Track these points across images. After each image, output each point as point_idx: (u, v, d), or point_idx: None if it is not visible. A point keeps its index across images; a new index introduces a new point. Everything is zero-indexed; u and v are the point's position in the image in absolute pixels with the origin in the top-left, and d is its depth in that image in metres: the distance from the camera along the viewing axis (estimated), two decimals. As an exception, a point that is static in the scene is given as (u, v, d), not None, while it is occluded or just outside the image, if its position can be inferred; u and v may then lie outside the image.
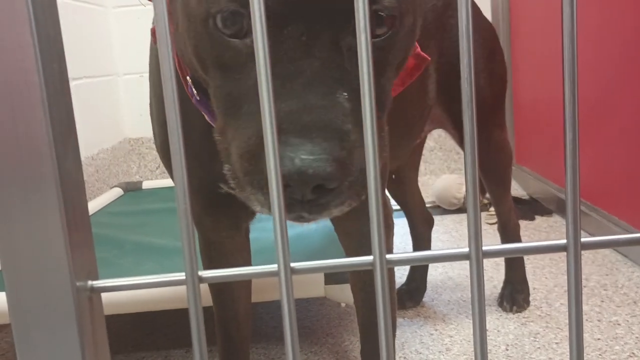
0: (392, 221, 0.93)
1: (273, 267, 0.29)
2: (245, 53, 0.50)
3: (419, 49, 0.73)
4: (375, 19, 0.50)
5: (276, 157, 0.27)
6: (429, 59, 0.74)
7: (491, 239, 1.81)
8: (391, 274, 0.98)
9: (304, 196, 0.45)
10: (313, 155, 0.43)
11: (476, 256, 0.28)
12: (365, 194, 0.52)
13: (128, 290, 0.29)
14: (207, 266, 0.88)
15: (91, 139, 2.17)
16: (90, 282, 0.29)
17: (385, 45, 0.51)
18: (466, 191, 0.28)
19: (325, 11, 0.47)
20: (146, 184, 2.01)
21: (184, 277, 0.28)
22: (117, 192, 1.93)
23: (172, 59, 0.26)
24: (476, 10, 1.29)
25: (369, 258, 0.29)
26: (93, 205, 1.73)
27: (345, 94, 0.48)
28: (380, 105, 0.55)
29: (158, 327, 1.40)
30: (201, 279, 0.28)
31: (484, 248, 0.28)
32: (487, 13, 2.53)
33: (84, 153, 2.08)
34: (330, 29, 0.48)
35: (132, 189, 1.98)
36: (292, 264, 0.29)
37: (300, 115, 0.45)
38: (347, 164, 0.46)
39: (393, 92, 0.77)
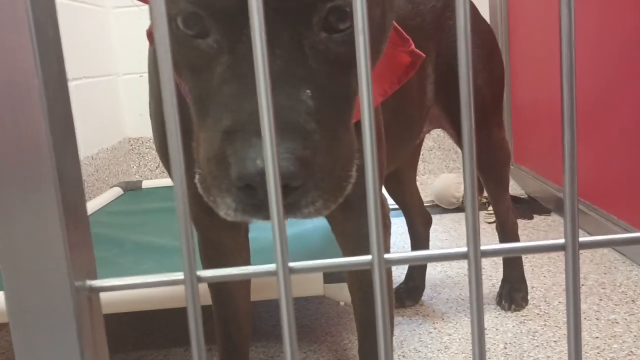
0: (390, 221, 0.94)
1: (271, 266, 0.29)
2: (209, 53, 0.49)
3: (413, 46, 0.73)
4: (338, 13, 0.49)
5: (274, 158, 0.27)
6: (424, 55, 0.74)
7: (489, 238, 1.81)
8: (389, 273, 0.98)
9: (265, 197, 0.44)
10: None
11: (474, 256, 0.28)
12: (340, 195, 0.50)
13: (127, 290, 0.29)
14: (206, 266, 0.88)
15: (91, 139, 2.17)
16: (89, 282, 0.29)
17: (351, 39, 0.50)
18: (464, 191, 0.28)
19: (286, 10, 0.47)
20: (146, 184, 2.01)
21: (183, 277, 0.28)
22: (117, 191, 1.93)
23: (171, 60, 0.26)
24: (474, 11, 1.29)
25: (368, 257, 0.29)
26: (93, 205, 1.73)
27: (309, 92, 0.47)
28: (351, 101, 0.54)
29: (157, 326, 1.40)
30: (200, 279, 0.28)
31: (482, 248, 0.28)
32: (485, 13, 2.53)
33: (84, 152, 2.08)
34: (292, 28, 0.47)
35: (131, 189, 1.99)
36: (291, 264, 0.29)
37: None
38: (311, 163, 0.45)
39: (390, 90, 0.77)
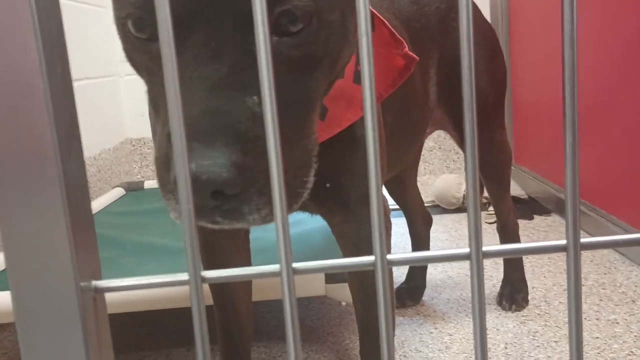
0: (390, 222, 0.94)
1: (275, 267, 0.29)
2: (158, 56, 0.49)
3: (407, 49, 0.73)
4: (289, 16, 0.48)
5: (278, 160, 0.27)
6: (417, 58, 0.73)
7: (490, 238, 1.81)
8: (390, 274, 0.98)
9: (205, 202, 0.44)
10: (210, 160, 0.43)
11: (476, 257, 0.28)
12: (294, 202, 0.49)
13: (131, 290, 0.29)
14: (206, 267, 0.88)
15: (93, 140, 2.18)
16: (94, 282, 0.29)
17: (306, 41, 0.50)
18: (466, 192, 0.28)
19: (234, 15, 0.46)
20: (148, 184, 2.02)
21: (187, 278, 0.28)
22: (119, 192, 1.93)
23: (175, 61, 0.27)
24: (477, 12, 1.29)
25: (370, 258, 0.29)
26: (95, 205, 1.73)
27: (256, 98, 0.47)
28: (308, 106, 0.53)
29: (159, 326, 1.40)
30: (204, 279, 0.29)
31: (484, 248, 0.29)
32: (486, 14, 2.53)
33: (86, 153, 2.08)
34: (240, 33, 0.47)
35: (134, 189, 1.99)
36: (294, 264, 0.29)
37: (202, 120, 0.44)
38: (250, 169, 0.45)
39: (385, 93, 0.76)
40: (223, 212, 0.45)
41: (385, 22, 0.73)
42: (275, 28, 0.48)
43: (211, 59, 0.46)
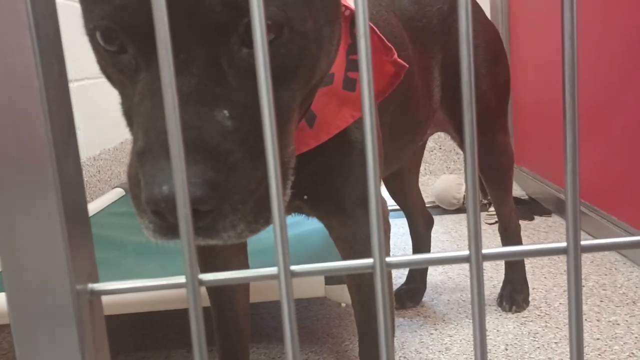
0: (389, 224, 0.94)
1: (273, 270, 0.29)
2: (129, 69, 0.48)
3: (396, 56, 0.73)
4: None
5: (276, 165, 0.27)
6: (407, 66, 0.73)
7: (490, 239, 1.81)
8: (389, 276, 0.98)
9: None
10: (190, 182, 0.42)
11: (476, 259, 0.28)
12: (270, 216, 0.48)
13: (128, 293, 0.29)
14: (203, 269, 0.88)
15: (93, 140, 2.17)
16: (90, 285, 0.29)
17: (277, 52, 0.49)
18: (466, 194, 0.28)
19: (203, 28, 0.45)
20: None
21: (184, 281, 0.28)
22: (119, 192, 1.92)
23: (172, 63, 0.26)
24: (480, 13, 1.29)
25: (369, 261, 0.29)
26: (95, 206, 1.73)
27: (227, 112, 0.46)
28: (283, 118, 0.52)
29: (159, 327, 1.40)
30: (201, 282, 0.28)
31: (484, 251, 0.28)
32: (486, 14, 2.53)
33: (86, 153, 2.08)
34: (209, 46, 0.46)
35: (132, 189, 1.98)
36: (292, 267, 0.29)
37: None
38: (222, 186, 0.44)
39: (375, 100, 0.76)
40: (197, 229, 0.44)
41: (375, 28, 0.73)
42: (245, 39, 0.47)
43: (180, 72, 0.45)
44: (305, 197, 0.73)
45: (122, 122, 0.55)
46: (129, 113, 0.51)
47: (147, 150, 0.44)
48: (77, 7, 0.52)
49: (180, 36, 0.45)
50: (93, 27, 0.48)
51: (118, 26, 0.46)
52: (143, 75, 0.47)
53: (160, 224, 0.45)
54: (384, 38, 0.73)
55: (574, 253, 0.28)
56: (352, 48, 0.69)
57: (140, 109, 0.46)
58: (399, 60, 0.72)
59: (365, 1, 0.27)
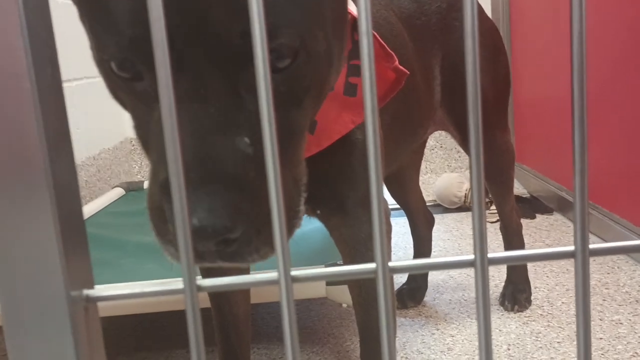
0: (390, 225, 0.93)
1: (273, 275, 0.29)
2: (145, 97, 0.48)
3: (397, 63, 0.72)
4: (277, 53, 0.47)
5: (277, 170, 0.26)
6: (408, 72, 0.73)
7: (492, 238, 1.80)
8: (390, 277, 0.98)
9: (209, 249, 0.45)
10: (211, 211, 0.43)
11: (481, 264, 0.27)
12: (288, 234, 0.50)
13: (124, 299, 0.28)
14: (203, 274, 0.87)
15: (92, 139, 2.17)
16: (85, 291, 0.28)
17: (292, 75, 0.49)
18: (471, 196, 0.27)
19: (221, 58, 0.45)
20: (148, 184, 2.00)
21: (182, 287, 0.27)
22: (119, 192, 1.92)
23: (168, 61, 0.26)
24: (480, 10, 1.28)
25: (372, 266, 0.28)
26: (94, 206, 1.72)
27: (247, 139, 0.46)
28: (296, 137, 0.52)
29: (159, 328, 1.39)
30: (199, 288, 0.28)
31: (489, 255, 0.28)
32: (487, 11, 2.52)
33: (86, 153, 2.07)
34: (227, 74, 0.46)
35: (133, 189, 1.98)
36: (293, 272, 0.28)
37: (195, 168, 0.44)
38: (249, 213, 0.45)
39: (377, 105, 0.75)
40: (224, 254, 0.46)
41: (376, 35, 0.72)
42: None
43: (200, 102, 0.45)
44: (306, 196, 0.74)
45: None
46: (145, 139, 0.51)
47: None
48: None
49: (199, 66, 0.45)
50: (107, 58, 0.48)
51: (134, 57, 0.46)
52: (157, 100, 0.47)
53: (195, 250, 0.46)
54: (385, 45, 0.72)
55: (581, 257, 0.28)
56: (353, 53, 0.69)
57: (160, 140, 0.46)
58: (400, 67, 0.72)
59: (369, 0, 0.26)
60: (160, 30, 0.24)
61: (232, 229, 0.43)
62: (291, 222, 0.51)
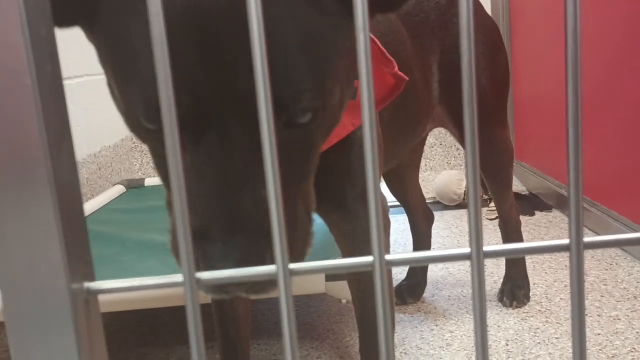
0: (389, 220, 0.93)
1: (272, 268, 0.29)
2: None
3: (396, 68, 0.73)
4: (299, 113, 0.49)
5: (275, 170, 0.26)
6: (407, 78, 0.74)
7: (491, 235, 1.81)
8: (388, 272, 0.98)
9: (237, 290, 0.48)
10: (240, 261, 0.45)
11: (477, 257, 0.28)
12: (301, 260, 0.53)
13: (125, 292, 0.29)
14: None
15: (93, 137, 2.17)
16: (86, 284, 0.28)
17: (311, 128, 0.51)
18: (467, 191, 0.28)
19: (248, 119, 0.47)
20: (148, 181, 2.01)
21: (182, 280, 0.28)
22: (120, 189, 1.92)
23: (167, 59, 0.26)
24: (479, 7, 1.28)
25: (369, 259, 0.28)
26: (95, 203, 1.73)
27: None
28: (308, 173, 0.55)
29: (160, 324, 1.40)
30: (199, 281, 0.28)
31: (485, 248, 0.28)
32: (487, 9, 2.52)
33: (87, 150, 2.07)
34: (253, 133, 0.47)
35: (134, 186, 1.98)
36: (291, 266, 0.29)
37: (222, 220, 0.46)
38: (273, 257, 0.47)
39: (376, 109, 0.76)
40: (246, 289, 0.49)
41: (375, 39, 0.73)
42: (286, 122, 0.50)
43: (225, 156, 0.47)
44: None
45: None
46: (168, 181, 0.53)
47: (202, 232, 0.47)
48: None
49: (225, 121, 0.47)
50: (137, 114, 0.49)
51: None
52: (188, 158, 0.49)
53: (215, 286, 0.48)
54: (384, 50, 0.73)
55: (576, 250, 0.28)
56: None
57: (188, 189, 0.48)
58: (399, 72, 0.73)
59: (364, -4, 0.27)
60: (159, 25, 0.24)
61: (257, 287, 0.47)
62: (305, 247, 0.53)
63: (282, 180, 0.49)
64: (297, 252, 0.52)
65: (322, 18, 0.49)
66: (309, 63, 0.48)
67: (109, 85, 0.53)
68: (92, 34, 0.51)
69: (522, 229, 1.46)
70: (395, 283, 1.47)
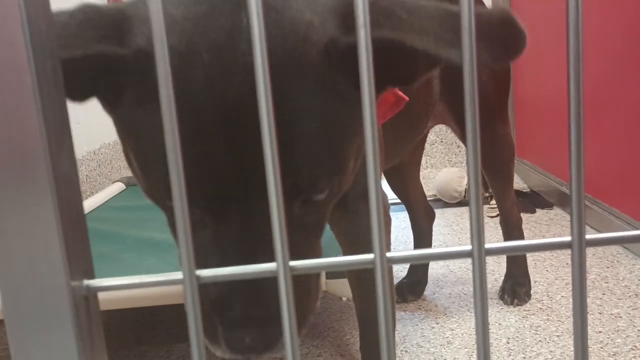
0: (389, 218, 0.93)
1: (272, 265, 0.29)
2: (193, 220, 0.51)
3: (397, 90, 0.74)
4: (315, 192, 0.50)
5: (276, 169, 0.26)
6: (407, 99, 0.74)
7: (492, 232, 1.81)
8: (389, 269, 0.98)
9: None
10: (261, 341, 0.47)
11: (479, 254, 0.28)
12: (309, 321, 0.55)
13: (125, 289, 0.29)
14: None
15: (93, 134, 2.17)
16: (86, 282, 0.28)
17: (326, 200, 0.52)
18: (468, 188, 0.28)
19: (265, 195, 0.47)
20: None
21: (182, 277, 0.27)
22: (119, 186, 1.92)
23: (167, 57, 0.26)
24: (480, 3, 1.28)
25: (370, 256, 0.28)
26: (95, 200, 1.72)
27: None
28: (319, 235, 0.56)
29: (160, 322, 1.40)
30: (199, 279, 0.28)
31: (486, 246, 0.28)
32: (488, 5, 2.52)
33: (86, 148, 2.07)
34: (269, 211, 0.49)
35: (134, 184, 1.98)
36: (292, 263, 0.29)
37: (245, 295, 0.48)
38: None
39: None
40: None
41: None
42: (303, 202, 0.51)
43: (247, 235, 0.48)
44: None
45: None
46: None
47: (222, 303, 0.48)
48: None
49: (248, 205, 0.48)
50: (158, 193, 0.51)
51: (190, 198, 0.49)
52: (209, 230, 0.50)
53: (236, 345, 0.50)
54: None
55: (578, 247, 0.28)
56: None
57: (208, 263, 0.49)
58: (400, 93, 0.74)
59: (365, -8, 0.26)
60: (159, 22, 0.24)
61: (277, 349, 0.48)
62: (310, 317, 0.55)
63: (295, 245, 0.50)
64: (303, 317, 0.53)
65: (339, 104, 0.50)
66: (326, 149, 0.49)
67: (126, 154, 0.54)
68: (114, 112, 0.52)
69: (523, 226, 1.46)
70: (395, 281, 1.47)
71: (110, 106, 0.52)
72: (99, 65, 0.47)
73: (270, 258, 0.48)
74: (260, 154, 0.47)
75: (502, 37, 0.47)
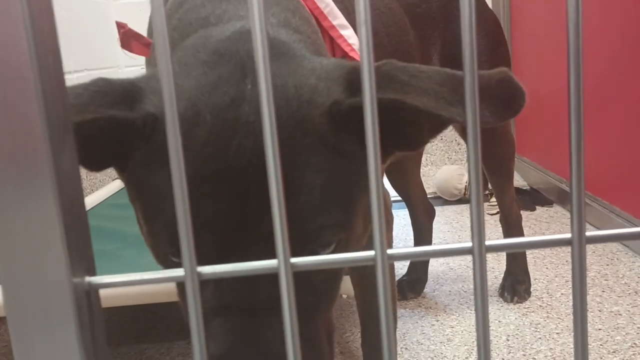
0: (391, 215, 0.93)
1: (273, 262, 0.29)
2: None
3: None
4: (321, 244, 0.51)
5: (277, 169, 0.26)
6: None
7: (492, 230, 1.81)
8: (390, 267, 0.98)
9: None
10: None
11: (479, 251, 0.28)
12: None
13: (126, 286, 0.29)
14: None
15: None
16: (87, 279, 0.28)
17: (334, 250, 0.53)
18: (469, 185, 0.28)
19: (267, 251, 0.48)
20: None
21: (183, 274, 0.28)
22: (120, 183, 1.92)
23: (168, 54, 0.26)
24: (481, 2, 1.28)
25: (371, 253, 0.28)
26: (95, 198, 1.73)
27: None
28: (333, 295, 0.58)
29: (160, 319, 1.40)
30: (200, 276, 0.28)
31: (487, 243, 0.28)
32: (488, 2, 2.51)
33: (85, 145, 2.07)
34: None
35: (133, 181, 1.98)
36: (293, 260, 0.29)
37: (246, 351, 0.48)
38: None
39: None
40: None
41: None
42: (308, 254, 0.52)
43: (249, 291, 0.49)
44: None
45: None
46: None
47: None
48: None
49: (246, 257, 0.48)
50: (163, 249, 0.52)
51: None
52: (213, 287, 0.50)
53: None
54: None
55: (578, 244, 0.28)
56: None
57: (209, 319, 0.50)
58: None
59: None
60: (161, 18, 0.24)
61: None
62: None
63: (304, 310, 0.50)
64: None
65: (344, 162, 0.51)
66: (329, 201, 0.49)
67: (138, 221, 0.56)
68: (123, 176, 0.54)
69: (523, 224, 1.46)
70: (396, 278, 1.47)
71: (120, 169, 0.54)
72: (110, 130, 0.49)
73: (272, 316, 0.49)
74: (261, 205, 0.48)
75: (502, 96, 0.48)
